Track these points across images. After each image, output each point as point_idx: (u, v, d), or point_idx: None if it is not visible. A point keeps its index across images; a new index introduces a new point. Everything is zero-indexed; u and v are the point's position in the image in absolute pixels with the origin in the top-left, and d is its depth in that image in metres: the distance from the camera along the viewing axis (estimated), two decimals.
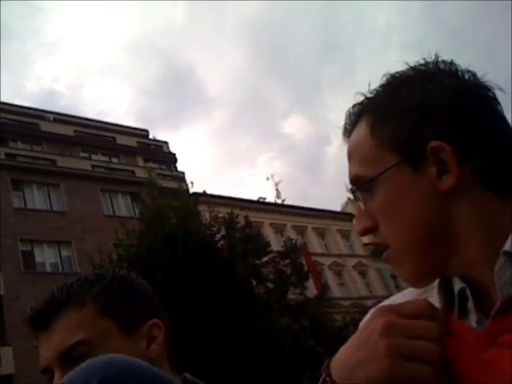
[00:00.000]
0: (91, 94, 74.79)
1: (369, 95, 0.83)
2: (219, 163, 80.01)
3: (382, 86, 0.83)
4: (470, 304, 0.75)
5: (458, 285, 0.77)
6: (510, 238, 0.70)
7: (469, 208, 0.75)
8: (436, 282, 0.82)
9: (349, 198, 0.96)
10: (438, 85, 0.76)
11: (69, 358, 0.96)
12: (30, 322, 1.03)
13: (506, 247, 0.70)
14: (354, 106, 0.85)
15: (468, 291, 0.75)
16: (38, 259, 23.59)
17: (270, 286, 19.64)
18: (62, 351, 0.97)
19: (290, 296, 20.07)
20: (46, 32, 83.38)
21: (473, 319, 0.74)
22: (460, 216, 0.75)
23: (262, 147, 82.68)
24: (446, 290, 0.79)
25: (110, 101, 76.59)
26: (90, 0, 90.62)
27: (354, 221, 0.84)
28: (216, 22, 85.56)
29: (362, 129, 0.81)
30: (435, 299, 0.80)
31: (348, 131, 0.85)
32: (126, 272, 1.18)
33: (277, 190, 37.49)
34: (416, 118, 0.76)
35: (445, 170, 0.74)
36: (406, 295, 0.88)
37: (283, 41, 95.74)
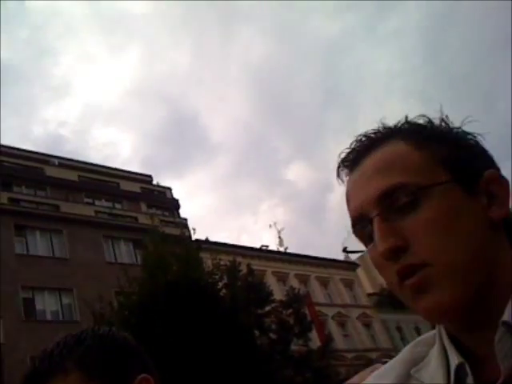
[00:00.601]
0: (96, 139, 75.62)
1: (394, 124, 0.84)
2: (222, 210, 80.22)
3: (408, 121, 0.84)
4: (470, 381, 0.72)
5: (456, 359, 0.75)
6: (508, 308, 0.70)
7: (505, 246, 0.76)
8: (430, 355, 0.81)
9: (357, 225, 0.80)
10: (463, 130, 0.80)
11: None
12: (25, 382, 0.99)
13: (505, 317, 0.69)
14: (371, 131, 0.84)
15: (467, 366, 0.73)
16: (39, 307, 23.32)
17: (273, 336, 19.36)
18: None
19: (293, 347, 19.76)
20: (53, 75, 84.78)
21: None
22: (501, 251, 0.75)
23: (264, 194, 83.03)
24: (447, 365, 0.76)
25: (114, 146, 77.36)
26: (97, 45, 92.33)
27: (377, 240, 0.74)
28: (220, 68, 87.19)
29: (396, 146, 0.79)
30: (431, 374, 0.78)
31: (367, 150, 0.81)
32: (105, 329, 1.13)
33: (279, 237, 37.41)
34: (469, 148, 0.78)
35: (493, 201, 0.75)
36: (393, 369, 0.85)
37: (286, 87, 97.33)
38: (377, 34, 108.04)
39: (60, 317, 23.47)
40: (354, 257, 0.86)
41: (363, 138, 0.84)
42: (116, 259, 27.03)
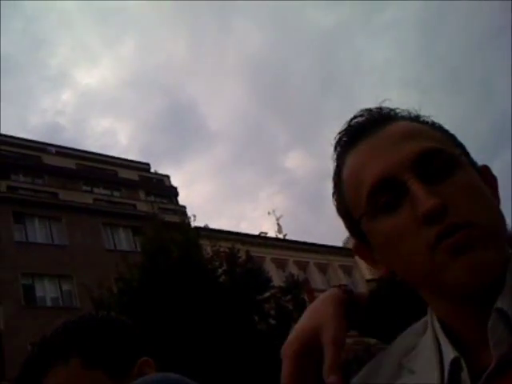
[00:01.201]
0: (94, 128, 75.39)
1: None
2: (221, 198, 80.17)
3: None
4: (465, 374, 0.71)
5: (451, 353, 0.74)
6: (501, 294, 0.70)
7: None
8: (421, 344, 0.82)
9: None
10: None
11: None
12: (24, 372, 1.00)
13: (498, 304, 0.69)
14: (378, 108, 0.83)
15: (463, 361, 0.72)
16: (39, 293, 23.42)
17: (272, 322, 19.41)
18: None
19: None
20: (50, 66, 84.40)
21: None
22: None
23: (263, 182, 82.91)
24: (440, 357, 0.76)
25: (112, 135, 77.14)
26: (93, 36, 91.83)
27: (424, 197, 0.70)
28: (217, 57, 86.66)
29: (413, 122, 0.80)
30: (423, 364, 0.78)
31: (378, 123, 0.80)
32: (104, 314, 1.15)
33: (278, 224, 37.38)
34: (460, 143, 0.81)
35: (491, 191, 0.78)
36: (385, 360, 0.85)
37: (284, 76, 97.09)
38: (373, 25, 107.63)
39: (60, 303, 23.57)
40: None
41: (367, 112, 0.81)
42: (115, 246, 27.10)
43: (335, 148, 0.83)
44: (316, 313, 0.86)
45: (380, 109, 0.82)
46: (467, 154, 0.79)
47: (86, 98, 78.25)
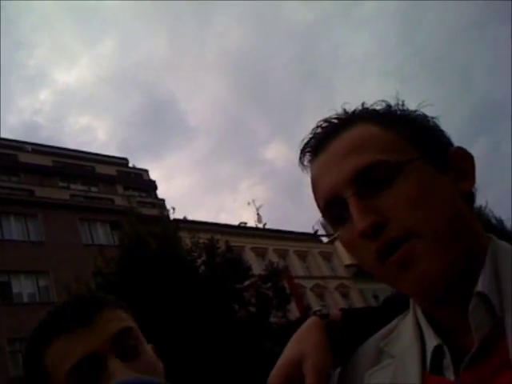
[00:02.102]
0: (72, 126, 74.69)
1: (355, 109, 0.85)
2: (201, 190, 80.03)
3: (371, 106, 0.85)
4: (447, 361, 0.73)
5: (434, 341, 0.75)
6: (481, 278, 0.72)
7: (473, 217, 0.79)
8: (400, 327, 0.84)
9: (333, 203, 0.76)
10: (422, 113, 0.83)
11: (122, 342, 0.95)
12: (67, 320, 0.97)
13: (479, 288, 0.71)
14: (334, 116, 0.84)
15: (445, 348, 0.74)
16: (15, 290, 23.17)
17: (252, 309, 19.52)
18: (115, 335, 0.95)
19: (273, 319, 19.93)
20: (28, 66, 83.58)
21: (450, 375, 0.72)
22: (473, 222, 0.78)
23: (243, 174, 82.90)
24: (421, 343, 0.78)
25: (91, 132, 76.57)
26: (71, 35, 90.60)
27: (357, 218, 0.73)
28: (197, 53, 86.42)
29: (364, 128, 0.80)
30: (403, 349, 0.80)
31: (333, 133, 0.81)
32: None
33: (258, 214, 37.45)
34: (430, 128, 0.81)
35: (461, 176, 0.79)
36: (366, 346, 0.88)
37: (263, 70, 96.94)
38: (352, 18, 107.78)
39: (37, 299, 23.35)
40: (324, 240, 0.88)
41: (326, 123, 0.84)
42: (93, 241, 26.85)
43: (300, 158, 0.86)
44: (298, 343, 0.88)
45: (338, 117, 0.84)
46: (426, 151, 0.77)
47: (65, 97, 77.63)
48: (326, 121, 0.84)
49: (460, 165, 0.79)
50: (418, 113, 0.83)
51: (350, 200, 0.74)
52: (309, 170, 0.84)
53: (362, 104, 0.85)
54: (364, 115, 0.82)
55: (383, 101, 0.84)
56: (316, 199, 0.82)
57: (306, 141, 0.84)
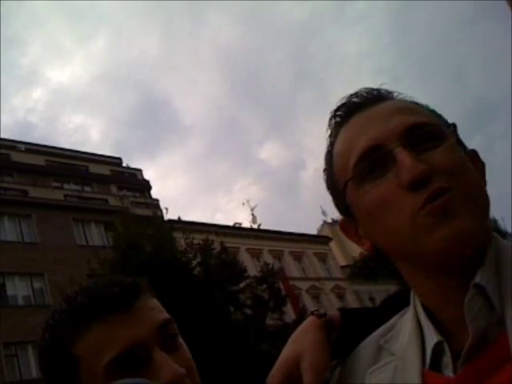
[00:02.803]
0: (66, 125, 74.50)
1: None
2: (195, 191, 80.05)
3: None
4: (447, 357, 0.72)
5: (434, 337, 0.74)
6: (480, 270, 0.71)
7: None
8: (400, 324, 0.83)
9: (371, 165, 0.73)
10: None
11: (165, 333, 0.87)
12: (107, 302, 0.86)
13: (477, 279, 0.70)
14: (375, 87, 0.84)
15: (446, 345, 0.73)
16: (10, 292, 23.00)
17: (248, 312, 19.46)
18: (160, 325, 0.87)
19: (269, 321, 19.89)
20: (20, 65, 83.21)
21: (449, 372, 0.71)
22: None
23: (238, 174, 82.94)
24: (421, 340, 0.77)
25: (85, 131, 76.35)
26: (64, 34, 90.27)
27: (409, 164, 0.71)
28: (190, 51, 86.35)
29: (406, 101, 0.82)
30: (403, 346, 0.79)
31: (375, 99, 0.81)
32: None
33: (252, 215, 37.42)
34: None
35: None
36: (368, 342, 0.86)
37: (257, 69, 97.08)
38: (346, 16, 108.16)
39: (32, 301, 23.18)
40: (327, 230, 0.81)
41: (363, 90, 0.83)
42: (87, 242, 26.77)
43: (329, 124, 0.84)
44: (296, 342, 0.89)
45: (377, 89, 0.83)
46: (457, 136, 0.79)
47: (58, 96, 77.47)
48: (363, 89, 0.83)
49: (479, 164, 0.80)
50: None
51: (398, 150, 0.73)
52: (338, 134, 0.82)
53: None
54: (401, 96, 0.83)
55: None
56: (345, 158, 0.79)
57: (338, 105, 0.82)
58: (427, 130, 0.74)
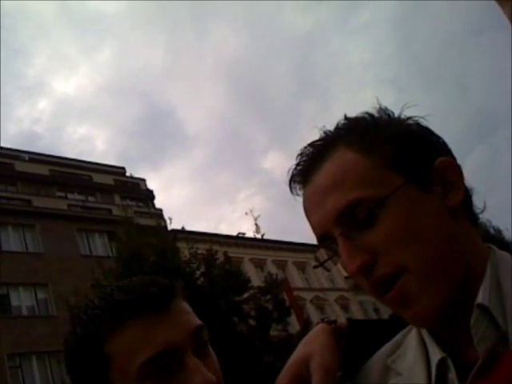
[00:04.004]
0: (71, 135, 74.61)
1: (336, 128, 0.83)
2: (199, 201, 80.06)
3: (349, 120, 0.83)
4: (452, 374, 0.72)
5: (438, 354, 0.74)
6: (481, 290, 0.71)
7: (468, 230, 0.77)
8: (406, 342, 0.82)
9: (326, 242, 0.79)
10: (407, 123, 0.81)
11: (198, 339, 0.87)
12: (145, 301, 0.84)
13: (479, 300, 0.70)
14: (316, 141, 0.83)
15: (450, 361, 0.73)
16: (14, 303, 22.90)
17: (252, 322, 19.36)
18: (194, 330, 0.87)
19: (273, 333, 19.77)
20: (27, 75, 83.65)
21: None
22: (466, 236, 0.76)
23: (242, 184, 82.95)
24: (426, 357, 0.77)
25: (90, 141, 76.45)
26: (70, 44, 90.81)
27: (345, 260, 0.74)
28: (195, 62, 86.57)
29: (343, 155, 0.78)
30: (409, 365, 0.79)
31: (315, 163, 0.81)
32: None
33: (256, 224, 37.33)
34: (414, 139, 0.77)
35: (449, 188, 0.76)
36: (375, 361, 0.86)
37: (261, 79, 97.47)
38: (349, 27, 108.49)
39: (36, 312, 23.08)
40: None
41: (309, 150, 0.83)
42: (91, 252, 26.73)
43: (290, 188, 0.86)
44: (307, 344, 0.89)
45: (319, 142, 0.83)
46: (411, 172, 0.75)
47: (63, 106, 77.63)
48: (308, 146, 0.83)
49: (446, 177, 0.77)
50: (402, 119, 0.81)
51: (339, 240, 0.75)
52: (300, 198, 0.85)
53: (345, 117, 0.83)
54: (343, 137, 0.80)
55: (366, 112, 0.82)
56: (312, 229, 0.83)
57: (292, 171, 0.84)
58: (362, 209, 0.73)
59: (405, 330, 0.86)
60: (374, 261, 0.72)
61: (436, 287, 0.71)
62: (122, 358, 0.81)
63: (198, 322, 0.90)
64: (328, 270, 0.84)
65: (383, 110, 0.82)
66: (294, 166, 0.84)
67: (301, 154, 0.84)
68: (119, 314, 0.83)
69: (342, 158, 0.78)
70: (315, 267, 0.87)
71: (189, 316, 0.89)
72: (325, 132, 0.84)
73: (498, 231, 29.74)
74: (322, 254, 0.82)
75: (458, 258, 0.73)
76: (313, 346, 0.87)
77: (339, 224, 0.75)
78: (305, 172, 0.82)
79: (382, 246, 0.72)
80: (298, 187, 0.84)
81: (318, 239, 0.81)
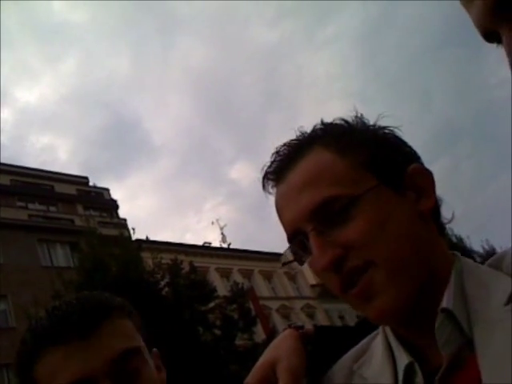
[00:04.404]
0: (34, 145, 73.51)
1: (313, 130, 0.85)
2: (165, 211, 79.56)
3: (326, 124, 0.85)
4: (419, 378, 0.72)
5: (405, 359, 0.75)
6: (445, 294, 0.72)
7: (436, 237, 0.79)
8: (373, 347, 0.83)
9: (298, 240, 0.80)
10: (383, 131, 0.83)
11: (121, 366, 0.86)
12: (66, 327, 0.85)
13: (444, 304, 0.71)
14: (292, 140, 0.84)
15: (417, 365, 0.73)
16: None
17: (217, 332, 19.29)
18: (116, 357, 0.85)
19: (238, 342, 19.73)
20: None
21: None
22: (434, 241, 0.78)
23: (208, 194, 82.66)
24: (393, 362, 0.77)
25: (52, 151, 75.33)
26: (33, 54, 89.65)
27: (316, 254, 0.75)
28: (161, 73, 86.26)
29: (320, 155, 0.79)
30: (376, 371, 0.79)
31: (291, 162, 0.81)
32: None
33: (222, 234, 37.27)
34: (389, 146, 0.81)
35: (420, 194, 0.78)
36: (341, 365, 0.86)
37: (228, 90, 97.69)
38: (315, 41, 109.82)
39: None
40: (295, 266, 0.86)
41: (285, 149, 0.84)
42: (52, 263, 26.27)
43: (263, 185, 0.87)
44: (274, 348, 0.90)
45: (295, 141, 0.84)
46: (384, 175, 0.78)
47: (26, 116, 76.43)
48: (284, 145, 0.84)
49: (419, 183, 0.79)
50: (376, 127, 0.83)
51: (310, 235, 0.76)
52: (273, 196, 0.86)
53: (322, 122, 0.85)
54: (320, 138, 0.82)
55: (342, 119, 0.84)
56: (283, 227, 0.84)
57: (266, 168, 0.85)
58: (336, 205, 0.75)
59: (371, 336, 0.86)
60: (345, 255, 0.74)
61: (400, 284, 0.72)
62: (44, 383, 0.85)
63: (127, 346, 0.88)
64: (295, 268, 0.84)
65: (359, 118, 0.84)
66: (268, 164, 0.86)
67: (276, 153, 0.85)
68: (43, 340, 0.85)
69: (319, 158, 0.79)
70: (283, 265, 0.87)
71: (115, 340, 0.87)
72: (301, 132, 0.85)
73: (460, 239, 30.48)
74: (290, 253, 0.83)
75: (423, 261, 0.75)
76: (280, 350, 0.87)
77: (312, 220, 0.76)
78: (279, 170, 0.83)
79: (353, 242, 0.73)
80: (271, 185, 0.85)
81: (289, 236, 0.81)
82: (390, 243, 0.73)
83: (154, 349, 1.02)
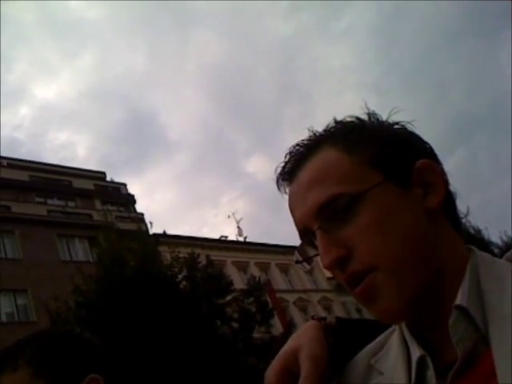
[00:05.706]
0: (53, 142, 73.83)
1: (324, 129, 0.85)
2: (182, 205, 79.82)
3: (337, 123, 0.86)
4: (430, 372, 0.73)
5: (417, 352, 0.75)
6: (460, 291, 0.72)
7: (448, 232, 0.78)
8: (390, 342, 0.84)
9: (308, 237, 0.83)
10: (394, 127, 0.84)
11: None
12: None
13: (458, 301, 0.71)
14: (304, 140, 0.86)
15: (428, 359, 0.73)
16: None
17: (235, 325, 19.33)
18: None
19: (256, 335, 19.76)
20: (7, 81, 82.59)
21: None
22: (444, 238, 0.77)
23: (225, 187, 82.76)
24: (407, 356, 0.78)
25: (71, 147, 75.64)
26: (51, 50, 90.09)
27: (321, 253, 0.76)
28: (177, 67, 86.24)
29: (328, 153, 0.80)
30: (391, 364, 0.80)
31: (301, 161, 0.83)
32: (63, 329, 1.17)
33: (238, 227, 37.30)
34: (398, 142, 0.80)
35: (428, 190, 0.78)
36: (358, 360, 0.86)
37: (243, 83, 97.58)
38: (330, 33, 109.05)
39: (16, 318, 22.89)
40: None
41: (296, 149, 0.85)
42: (71, 257, 26.53)
43: (277, 185, 0.88)
44: (296, 338, 0.90)
45: (306, 142, 0.85)
46: (390, 171, 0.78)
47: (45, 112, 76.87)
48: (297, 145, 0.86)
49: (426, 178, 0.79)
50: (387, 123, 0.84)
51: (317, 234, 0.77)
52: (286, 196, 0.87)
53: (334, 120, 0.86)
54: (329, 137, 0.83)
55: (352, 116, 0.85)
56: (295, 225, 0.85)
57: (279, 169, 0.87)
58: (340, 203, 0.75)
59: (389, 330, 0.87)
60: (349, 255, 0.74)
61: (402, 286, 0.73)
62: None
63: None
64: (307, 266, 0.85)
65: (372, 115, 0.85)
66: (281, 165, 0.87)
67: (289, 153, 0.86)
68: None
69: (326, 156, 0.80)
70: (296, 263, 0.87)
71: None
72: (313, 132, 0.86)
73: (478, 231, 30.19)
74: (303, 250, 0.84)
75: (429, 258, 0.74)
76: (302, 339, 0.88)
77: (318, 218, 0.77)
78: (291, 170, 0.85)
79: (357, 241, 0.74)
80: (285, 185, 0.87)
81: (300, 234, 0.83)
82: (393, 244, 0.73)
83: (93, 375, 1.05)
